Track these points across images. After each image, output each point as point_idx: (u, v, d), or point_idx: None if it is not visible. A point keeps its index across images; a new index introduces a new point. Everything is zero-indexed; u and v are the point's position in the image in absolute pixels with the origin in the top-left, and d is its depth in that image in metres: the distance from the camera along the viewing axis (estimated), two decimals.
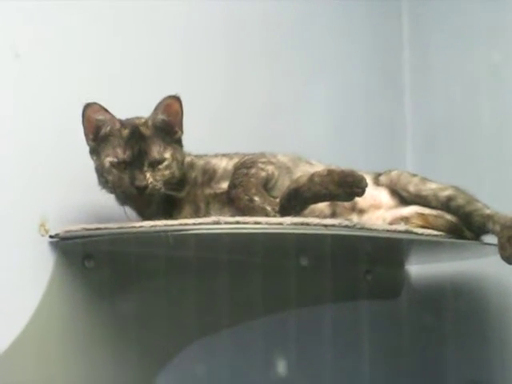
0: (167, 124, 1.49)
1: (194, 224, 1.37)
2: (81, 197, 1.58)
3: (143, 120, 1.49)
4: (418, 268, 2.17)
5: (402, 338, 2.15)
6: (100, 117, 1.47)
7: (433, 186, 1.66)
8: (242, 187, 1.46)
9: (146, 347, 1.66)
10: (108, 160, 1.46)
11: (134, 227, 1.40)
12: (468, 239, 1.62)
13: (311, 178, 1.43)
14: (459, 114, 2.21)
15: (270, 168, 1.52)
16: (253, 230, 1.37)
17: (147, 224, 1.39)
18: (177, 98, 1.47)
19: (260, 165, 1.51)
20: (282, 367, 1.87)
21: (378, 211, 1.64)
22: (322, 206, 1.53)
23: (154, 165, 1.46)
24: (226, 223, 1.37)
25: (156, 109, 1.48)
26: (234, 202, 1.47)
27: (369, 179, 1.49)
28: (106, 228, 1.44)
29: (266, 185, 1.51)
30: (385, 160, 2.09)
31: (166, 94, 1.47)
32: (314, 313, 1.95)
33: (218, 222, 1.36)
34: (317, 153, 1.68)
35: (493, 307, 2.08)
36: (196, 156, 1.57)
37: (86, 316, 1.58)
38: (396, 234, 1.53)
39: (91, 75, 1.64)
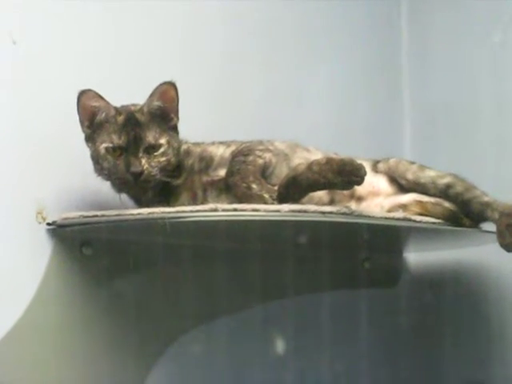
0: (163, 110, 1.48)
1: (192, 211, 1.37)
2: (78, 184, 1.58)
3: (139, 106, 1.49)
4: (416, 256, 2.17)
5: (400, 325, 2.15)
6: (95, 103, 1.46)
7: (431, 173, 1.65)
8: (240, 175, 1.46)
9: (144, 334, 1.66)
10: (103, 146, 1.46)
11: (132, 214, 1.40)
12: (466, 227, 1.62)
13: (310, 166, 1.43)
14: (458, 101, 2.20)
15: (268, 155, 1.52)
16: (250, 217, 1.37)
17: (145, 211, 1.39)
18: (172, 85, 1.46)
19: (258, 152, 1.51)
20: (279, 354, 1.88)
21: (376, 198, 1.64)
22: (321, 193, 1.52)
23: (150, 151, 1.46)
24: (224, 210, 1.37)
25: (151, 95, 1.48)
26: (231, 189, 1.47)
27: (367, 166, 1.49)
28: (103, 215, 1.44)
29: (264, 172, 1.50)
30: (383, 147, 2.08)
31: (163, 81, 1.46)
32: (311, 300, 1.95)
33: (215, 210, 1.36)
34: (315, 140, 1.68)
35: (491, 295, 2.08)
36: (193, 144, 1.57)
37: (84, 303, 1.58)
38: (394, 222, 1.53)
39: (88, 62, 1.63)
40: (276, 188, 1.45)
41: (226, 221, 1.40)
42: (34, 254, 1.53)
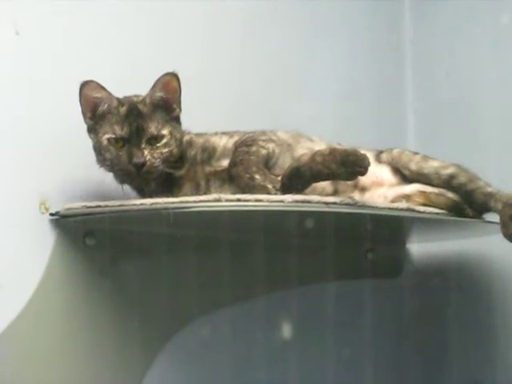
0: (165, 101, 1.48)
1: (195, 202, 1.37)
2: (81, 175, 1.58)
3: (141, 97, 1.48)
4: (419, 246, 2.17)
5: (403, 316, 2.15)
6: (97, 94, 1.46)
7: (435, 163, 1.65)
8: (243, 165, 1.45)
9: (147, 324, 1.67)
10: (106, 137, 1.45)
11: (135, 205, 1.40)
12: (470, 217, 1.62)
13: (313, 156, 1.43)
14: (462, 91, 2.19)
15: (271, 146, 1.51)
16: (254, 207, 1.37)
17: (148, 201, 1.39)
18: (175, 75, 1.46)
19: (261, 142, 1.50)
20: (283, 345, 1.88)
21: (380, 189, 1.64)
22: (324, 183, 1.52)
23: (152, 142, 1.45)
24: (227, 201, 1.36)
25: (154, 86, 1.47)
26: (234, 180, 1.46)
27: (370, 157, 1.48)
28: (106, 206, 1.44)
29: (267, 163, 1.50)
30: (387, 138, 2.08)
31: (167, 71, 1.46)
32: (315, 291, 1.95)
33: (218, 200, 1.36)
34: (319, 130, 1.67)
35: (494, 285, 2.08)
36: (195, 134, 1.56)
37: (87, 293, 1.59)
38: (398, 212, 1.52)
39: (91, 53, 1.63)
40: (279, 178, 1.45)
41: (229, 211, 1.39)
42: (37, 244, 1.53)
